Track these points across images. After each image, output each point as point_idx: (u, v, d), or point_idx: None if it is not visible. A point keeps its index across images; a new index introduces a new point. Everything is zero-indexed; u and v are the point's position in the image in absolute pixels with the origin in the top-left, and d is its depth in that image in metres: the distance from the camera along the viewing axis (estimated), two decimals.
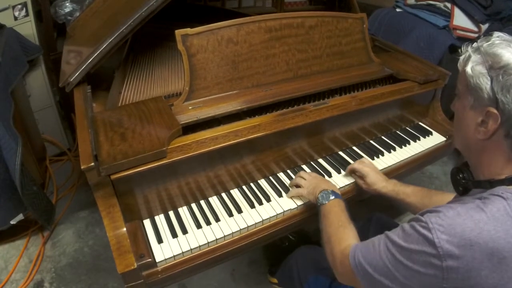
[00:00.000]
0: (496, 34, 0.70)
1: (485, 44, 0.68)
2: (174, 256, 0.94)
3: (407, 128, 1.49)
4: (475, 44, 0.70)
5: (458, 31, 2.22)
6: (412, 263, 0.65)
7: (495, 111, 0.65)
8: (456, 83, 0.76)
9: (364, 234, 1.24)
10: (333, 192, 1.00)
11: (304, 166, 1.25)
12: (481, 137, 0.69)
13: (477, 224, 0.61)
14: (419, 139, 1.43)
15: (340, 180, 1.20)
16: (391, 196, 1.09)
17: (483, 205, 0.64)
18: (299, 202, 1.11)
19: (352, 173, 1.20)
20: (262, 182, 1.17)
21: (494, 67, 0.65)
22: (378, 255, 0.72)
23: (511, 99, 0.63)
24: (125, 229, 0.90)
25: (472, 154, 0.75)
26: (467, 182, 0.75)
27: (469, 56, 0.70)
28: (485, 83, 0.66)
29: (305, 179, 1.10)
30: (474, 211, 0.63)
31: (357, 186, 1.18)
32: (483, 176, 0.72)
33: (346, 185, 1.19)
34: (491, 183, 0.69)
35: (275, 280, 1.53)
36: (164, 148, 0.94)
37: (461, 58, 0.73)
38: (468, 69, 0.69)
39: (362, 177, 1.15)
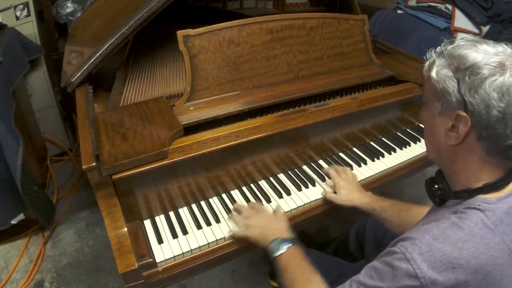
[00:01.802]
0: (461, 36, 0.68)
1: (449, 47, 0.66)
2: (174, 256, 0.94)
3: (407, 129, 1.49)
4: (438, 48, 0.68)
5: (459, 33, 2.22)
6: None
7: (464, 114, 0.62)
8: (423, 91, 0.73)
9: (360, 234, 1.25)
10: (285, 240, 0.89)
11: (304, 167, 1.25)
12: (453, 142, 0.66)
13: (456, 245, 0.59)
14: (420, 141, 1.43)
15: None
16: (367, 210, 1.05)
17: (459, 222, 0.62)
18: (299, 203, 1.11)
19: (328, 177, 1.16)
20: (263, 183, 1.17)
21: (460, 68, 0.62)
22: None
23: (480, 100, 0.60)
24: (126, 229, 0.90)
25: (446, 162, 0.72)
26: (444, 193, 0.72)
27: (434, 61, 0.68)
28: (452, 86, 0.63)
29: (249, 219, 0.97)
30: (451, 231, 0.61)
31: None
32: (460, 185, 0.69)
33: None
34: (469, 193, 0.66)
35: (275, 284, 1.53)
36: (166, 149, 0.94)
37: (426, 64, 0.71)
38: (433, 73, 0.66)
39: (336, 189, 1.10)
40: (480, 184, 0.65)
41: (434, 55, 0.69)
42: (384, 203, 1.03)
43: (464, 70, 0.62)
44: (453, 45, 0.66)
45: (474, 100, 0.60)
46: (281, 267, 0.86)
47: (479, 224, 0.60)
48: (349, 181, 1.12)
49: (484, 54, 0.62)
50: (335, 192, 1.11)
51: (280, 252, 0.87)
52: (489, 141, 0.62)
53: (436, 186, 0.73)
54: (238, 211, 1.03)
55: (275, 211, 1.03)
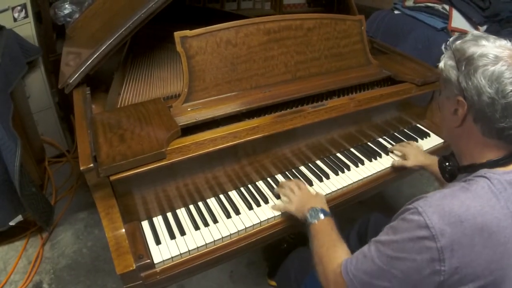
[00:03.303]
0: (471, 32, 0.75)
1: (457, 42, 0.75)
2: (172, 257, 0.94)
3: (405, 129, 1.49)
4: (448, 42, 0.77)
5: (456, 33, 2.23)
6: (407, 254, 0.66)
7: (462, 99, 0.71)
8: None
9: (362, 233, 1.25)
10: (322, 210, 0.98)
11: (302, 168, 1.25)
12: (455, 124, 0.75)
13: (464, 202, 0.65)
14: (417, 141, 1.43)
15: (338, 182, 1.20)
16: (430, 171, 1.21)
17: (467, 185, 0.68)
18: None
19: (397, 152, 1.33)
20: (260, 184, 1.17)
21: (461, 59, 0.71)
22: (370, 261, 0.72)
23: (472, 86, 0.68)
24: (124, 230, 0.91)
25: (454, 142, 0.81)
26: (452, 169, 0.82)
27: (444, 54, 0.77)
28: (454, 75, 0.72)
29: (293, 192, 1.06)
30: (460, 191, 0.67)
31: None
32: (466, 162, 0.77)
33: (343, 187, 1.19)
34: (474, 167, 0.73)
35: (274, 283, 1.53)
36: (163, 150, 0.94)
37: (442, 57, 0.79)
38: (441, 64, 0.76)
39: (403, 156, 1.29)
40: (484, 161, 0.72)
41: (443, 48, 0.78)
42: None
43: (463, 60, 0.70)
44: (460, 40, 0.75)
45: (468, 87, 0.69)
46: (313, 233, 0.94)
47: (485, 188, 0.67)
48: (414, 148, 1.30)
49: (483, 47, 0.69)
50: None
51: (315, 220, 0.96)
52: (483, 123, 0.70)
53: (446, 164, 0.83)
54: (282, 185, 1.12)
55: (315, 192, 1.12)
